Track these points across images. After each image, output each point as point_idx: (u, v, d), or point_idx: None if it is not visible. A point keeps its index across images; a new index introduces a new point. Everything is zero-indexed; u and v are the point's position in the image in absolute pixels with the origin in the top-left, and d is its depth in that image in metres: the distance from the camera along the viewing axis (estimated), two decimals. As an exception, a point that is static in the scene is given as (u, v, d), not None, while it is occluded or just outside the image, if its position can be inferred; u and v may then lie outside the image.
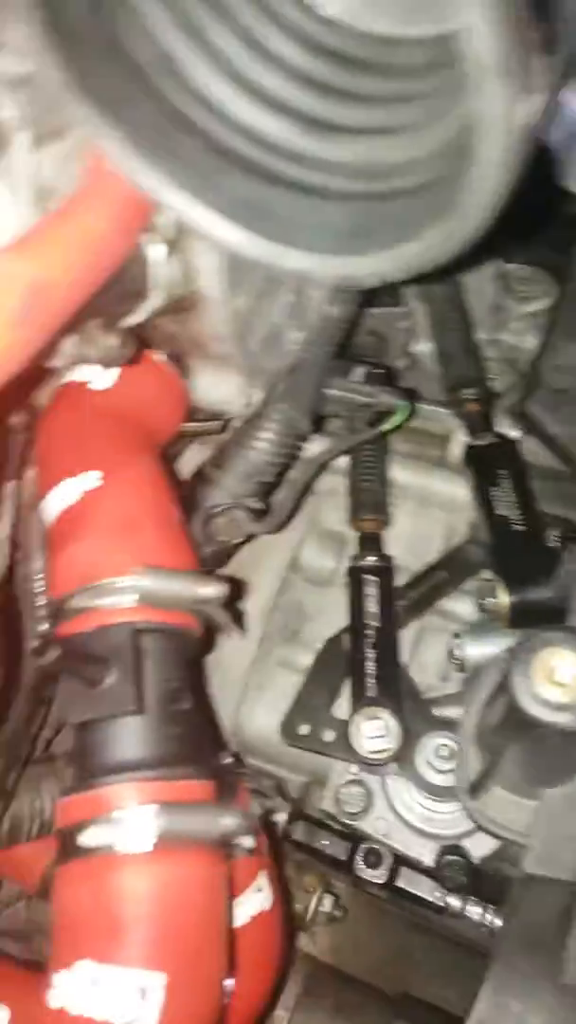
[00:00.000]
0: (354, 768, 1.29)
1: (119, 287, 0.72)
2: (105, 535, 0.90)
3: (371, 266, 0.61)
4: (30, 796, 1.06)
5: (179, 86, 0.65)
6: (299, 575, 1.41)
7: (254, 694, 1.37)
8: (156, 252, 0.74)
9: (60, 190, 0.81)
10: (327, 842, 1.26)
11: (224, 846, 0.80)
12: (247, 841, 0.83)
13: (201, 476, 1.09)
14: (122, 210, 0.65)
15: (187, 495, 1.05)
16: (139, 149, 0.64)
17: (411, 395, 1.12)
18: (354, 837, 1.27)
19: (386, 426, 1.12)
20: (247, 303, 0.83)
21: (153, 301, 0.75)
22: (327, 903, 1.30)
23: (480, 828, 1.08)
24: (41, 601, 0.94)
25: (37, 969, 1.14)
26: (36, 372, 0.79)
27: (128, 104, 0.64)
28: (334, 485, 1.39)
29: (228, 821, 0.77)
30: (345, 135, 0.64)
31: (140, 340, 0.85)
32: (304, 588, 1.41)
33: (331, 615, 1.37)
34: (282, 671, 1.37)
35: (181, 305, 0.80)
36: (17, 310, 0.56)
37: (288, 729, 1.27)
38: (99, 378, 1.00)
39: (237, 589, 0.91)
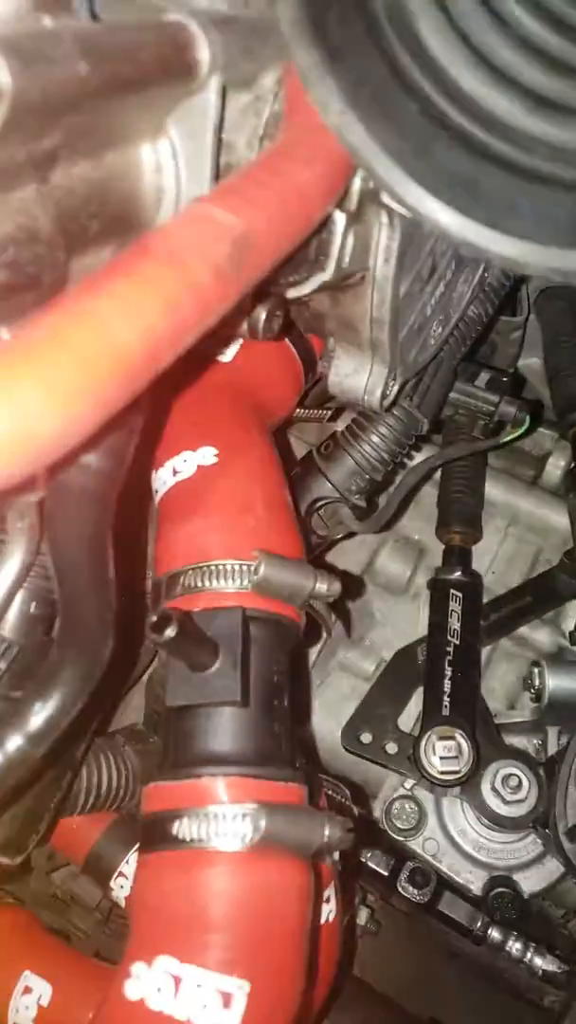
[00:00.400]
0: (409, 783, 1.26)
1: (302, 253, 0.68)
2: (219, 514, 0.86)
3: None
4: (87, 770, 1.03)
5: (406, 43, 0.60)
6: (372, 579, 1.36)
7: (312, 693, 1.33)
8: (339, 221, 0.70)
9: (235, 145, 0.77)
10: (370, 854, 1.22)
11: (318, 856, 0.76)
12: (337, 854, 0.79)
13: (307, 465, 1.04)
14: (329, 168, 0.61)
15: (292, 483, 1.01)
16: (355, 104, 0.59)
17: (535, 408, 1.07)
18: (399, 853, 1.24)
19: (505, 438, 1.08)
20: (408, 288, 0.78)
21: (327, 273, 0.71)
22: (363, 916, 1.26)
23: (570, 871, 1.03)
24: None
25: (66, 940, 1.12)
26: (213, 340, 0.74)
27: (352, 55, 0.59)
28: (421, 492, 1.35)
29: (332, 832, 0.73)
30: (577, 118, 0.60)
31: (286, 315, 0.81)
32: (376, 593, 1.36)
33: (400, 624, 1.33)
34: (343, 674, 1.33)
35: (345, 282, 0.75)
36: (224, 260, 0.52)
37: (349, 735, 1.23)
38: (222, 350, 0.96)
39: (348, 588, 0.87)
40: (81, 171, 0.66)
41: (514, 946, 1.19)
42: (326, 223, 0.70)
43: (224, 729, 0.77)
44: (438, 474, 1.29)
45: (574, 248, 0.59)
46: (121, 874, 1.08)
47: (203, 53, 0.66)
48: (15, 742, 0.69)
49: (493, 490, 1.32)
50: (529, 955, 1.19)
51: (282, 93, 0.72)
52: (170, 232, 0.52)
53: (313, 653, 1.33)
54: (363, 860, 1.20)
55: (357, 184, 0.70)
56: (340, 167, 0.63)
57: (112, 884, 1.08)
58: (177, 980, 0.69)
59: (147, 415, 0.67)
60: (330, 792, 0.91)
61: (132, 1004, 0.69)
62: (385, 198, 0.68)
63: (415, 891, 1.19)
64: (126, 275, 0.48)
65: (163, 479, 0.89)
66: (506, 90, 0.62)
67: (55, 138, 0.60)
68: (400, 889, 1.19)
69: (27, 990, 0.91)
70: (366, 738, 1.22)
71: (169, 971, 0.69)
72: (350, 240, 0.71)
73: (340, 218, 0.70)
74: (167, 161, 0.72)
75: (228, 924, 0.70)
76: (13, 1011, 0.90)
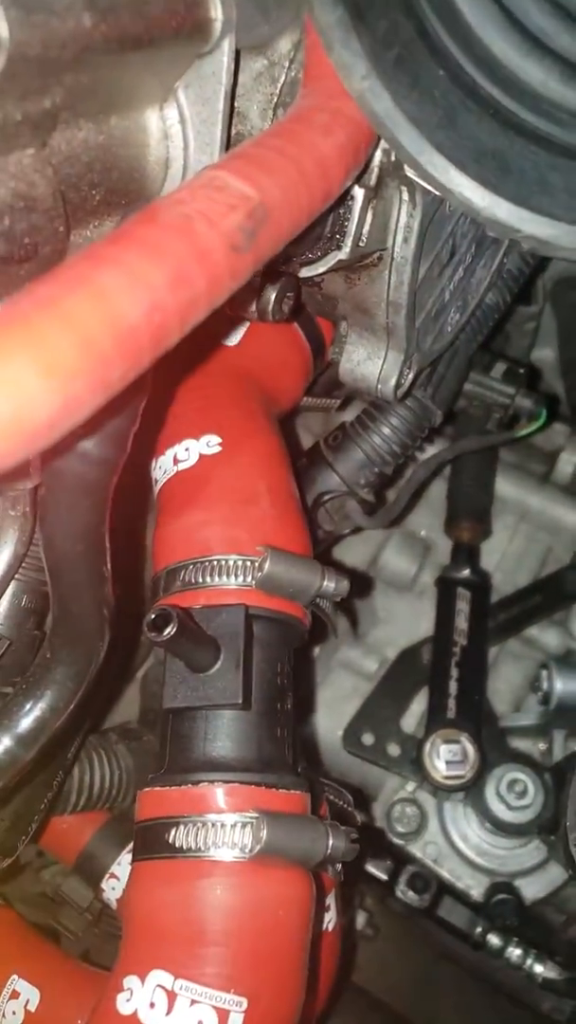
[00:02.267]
0: (410, 786, 1.22)
1: (317, 229, 0.64)
2: (221, 506, 0.81)
3: None
4: (79, 769, 0.99)
5: (434, 3, 0.56)
6: (376, 576, 1.32)
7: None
8: (357, 196, 0.65)
9: (248, 114, 0.72)
10: (369, 858, 1.19)
11: (320, 866, 0.72)
12: (339, 865, 0.76)
13: (314, 456, 1.00)
14: (350, 137, 0.56)
15: (298, 475, 0.97)
16: (380, 68, 0.55)
17: (551, 401, 1.03)
18: (398, 857, 1.20)
19: (521, 433, 1.04)
20: (426, 271, 0.74)
21: (343, 252, 0.67)
22: (360, 920, 1.23)
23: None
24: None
25: (54, 939, 1.08)
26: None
27: (377, 14, 0.55)
28: (428, 486, 1.30)
29: (336, 843, 0.69)
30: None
31: (297, 297, 0.77)
32: (380, 590, 1.32)
33: (404, 623, 1.30)
34: (344, 672, 1.30)
35: (361, 263, 0.71)
36: (237, 232, 0.48)
37: (351, 736, 1.20)
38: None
39: (354, 585, 0.83)
40: (83, 136, 0.62)
41: (514, 952, 1.16)
42: (344, 198, 0.65)
43: (224, 733, 0.73)
44: (447, 468, 1.25)
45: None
46: (113, 875, 1.05)
47: (216, 11, 0.62)
48: (3, 744, 0.65)
49: (503, 486, 1.28)
50: (529, 961, 1.16)
51: (299, 58, 0.68)
52: (180, 199, 0.48)
53: (314, 650, 1.29)
54: (363, 864, 1.17)
55: (378, 157, 0.66)
56: (362, 136, 0.58)
57: (103, 885, 1.05)
58: (171, 996, 0.65)
59: (150, 399, 0.63)
60: (332, 797, 0.87)
61: (124, 1019, 0.66)
62: (408, 172, 0.63)
63: (415, 896, 1.16)
64: (132, 243, 0.44)
65: (163, 467, 0.85)
66: (540, 58, 0.57)
67: (55, 97, 0.56)
68: (400, 894, 1.16)
69: (15, 994, 0.88)
70: (368, 739, 1.19)
71: (163, 986, 0.66)
72: (368, 217, 0.67)
73: (359, 193, 0.66)
74: (175, 129, 0.67)
75: (225, 938, 0.67)
76: (-1, 1016, 0.87)
